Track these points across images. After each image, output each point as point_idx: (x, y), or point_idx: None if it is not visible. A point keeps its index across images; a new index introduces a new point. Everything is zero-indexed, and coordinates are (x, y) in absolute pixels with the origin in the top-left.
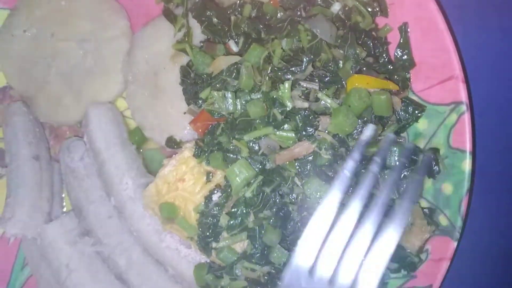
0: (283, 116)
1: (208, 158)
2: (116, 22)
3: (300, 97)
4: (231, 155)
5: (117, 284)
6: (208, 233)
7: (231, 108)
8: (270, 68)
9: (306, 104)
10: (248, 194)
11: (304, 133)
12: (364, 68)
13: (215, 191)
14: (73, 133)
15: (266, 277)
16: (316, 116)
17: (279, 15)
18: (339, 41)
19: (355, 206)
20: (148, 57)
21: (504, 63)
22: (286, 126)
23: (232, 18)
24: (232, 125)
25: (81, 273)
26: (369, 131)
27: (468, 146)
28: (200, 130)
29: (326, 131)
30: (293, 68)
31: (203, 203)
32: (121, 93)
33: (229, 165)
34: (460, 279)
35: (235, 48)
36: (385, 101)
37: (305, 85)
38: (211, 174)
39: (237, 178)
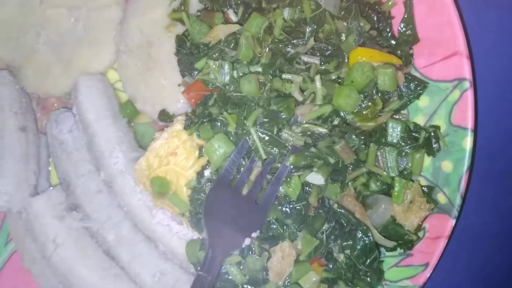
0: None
1: (198, 129)
2: None
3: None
4: (219, 126)
5: (106, 260)
6: (200, 210)
7: (227, 79)
8: (270, 39)
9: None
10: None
11: None
12: (367, 42)
13: (207, 166)
14: (61, 105)
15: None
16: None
17: None
18: (342, 13)
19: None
20: (142, 26)
21: (509, 42)
22: None
23: None
24: (225, 98)
25: (68, 249)
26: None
27: (470, 124)
28: (192, 101)
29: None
30: (294, 41)
31: (195, 179)
32: (113, 63)
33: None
34: (457, 258)
35: (234, 18)
36: (390, 75)
37: (306, 59)
38: (203, 149)
39: (216, 153)
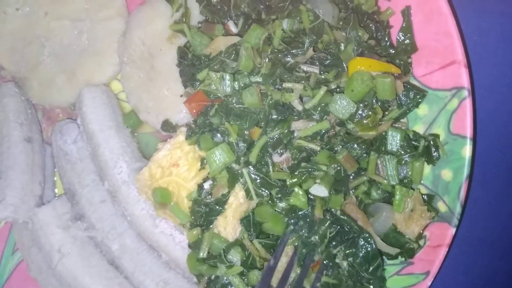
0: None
1: (198, 140)
2: (111, 1)
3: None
4: (219, 136)
5: (110, 269)
6: (200, 222)
7: (228, 90)
8: (270, 49)
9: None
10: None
11: None
12: (366, 51)
13: (208, 179)
14: (66, 115)
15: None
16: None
17: None
18: (341, 23)
19: None
20: (144, 37)
21: (506, 49)
22: None
23: None
24: (227, 109)
25: (73, 258)
26: None
27: (468, 132)
28: (194, 111)
29: None
30: (293, 51)
31: (196, 191)
32: (116, 74)
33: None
34: (457, 266)
35: (234, 29)
36: (389, 84)
37: (305, 69)
38: (205, 160)
39: (216, 161)
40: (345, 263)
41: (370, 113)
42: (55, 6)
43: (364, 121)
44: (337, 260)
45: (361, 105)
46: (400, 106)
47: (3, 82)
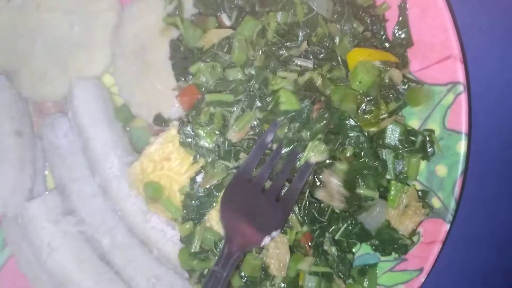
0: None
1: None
2: None
3: None
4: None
5: (101, 265)
6: (192, 216)
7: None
8: (264, 42)
9: None
10: None
11: None
12: (362, 44)
13: (201, 172)
14: (57, 109)
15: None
16: None
17: None
18: (335, 16)
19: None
20: (136, 31)
21: (503, 45)
22: None
23: None
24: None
25: (63, 253)
26: None
27: (464, 128)
28: (186, 105)
29: None
30: (287, 43)
31: (188, 184)
32: (108, 68)
33: None
34: (451, 262)
35: (227, 22)
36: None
37: (299, 62)
38: (197, 155)
39: None
40: (333, 249)
41: (373, 108)
42: None
43: (366, 116)
44: (325, 247)
45: (365, 99)
46: (398, 99)
47: None
